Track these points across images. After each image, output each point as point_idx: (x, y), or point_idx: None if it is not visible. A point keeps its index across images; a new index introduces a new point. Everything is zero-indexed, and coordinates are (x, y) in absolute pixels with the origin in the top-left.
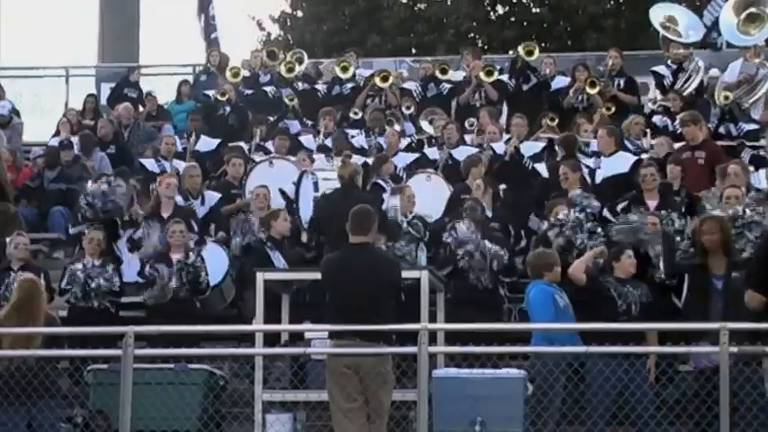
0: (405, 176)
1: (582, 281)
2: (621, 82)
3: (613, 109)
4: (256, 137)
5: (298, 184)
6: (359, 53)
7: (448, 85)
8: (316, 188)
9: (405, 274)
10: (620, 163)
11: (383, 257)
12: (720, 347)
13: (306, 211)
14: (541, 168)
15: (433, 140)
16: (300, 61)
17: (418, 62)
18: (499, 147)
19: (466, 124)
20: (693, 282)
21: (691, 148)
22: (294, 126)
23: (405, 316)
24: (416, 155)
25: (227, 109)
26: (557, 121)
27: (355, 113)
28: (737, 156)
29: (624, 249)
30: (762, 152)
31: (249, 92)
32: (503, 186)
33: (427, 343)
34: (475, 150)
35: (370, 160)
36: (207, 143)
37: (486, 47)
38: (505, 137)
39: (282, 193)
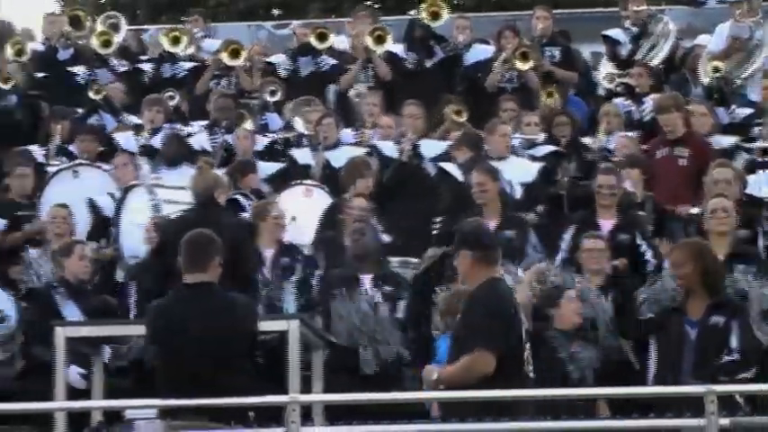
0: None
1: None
2: (556, 53)
3: (556, 95)
4: (56, 136)
5: (121, 201)
6: (205, 17)
7: (330, 61)
8: (156, 210)
9: (266, 325)
10: (519, 169)
11: (232, 302)
12: (707, 419)
13: (131, 239)
14: (452, 169)
15: (304, 139)
16: (116, 29)
17: (283, 26)
18: (388, 147)
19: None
20: (662, 330)
21: (668, 142)
22: (111, 121)
23: (266, 384)
24: (280, 165)
25: (14, 99)
26: (465, 115)
27: (171, 98)
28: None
29: (564, 290)
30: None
31: (42, 75)
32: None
33: (299, 422)
34: (360, 152)
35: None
36: None
37: (378, 5)
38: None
39: (93, 207)
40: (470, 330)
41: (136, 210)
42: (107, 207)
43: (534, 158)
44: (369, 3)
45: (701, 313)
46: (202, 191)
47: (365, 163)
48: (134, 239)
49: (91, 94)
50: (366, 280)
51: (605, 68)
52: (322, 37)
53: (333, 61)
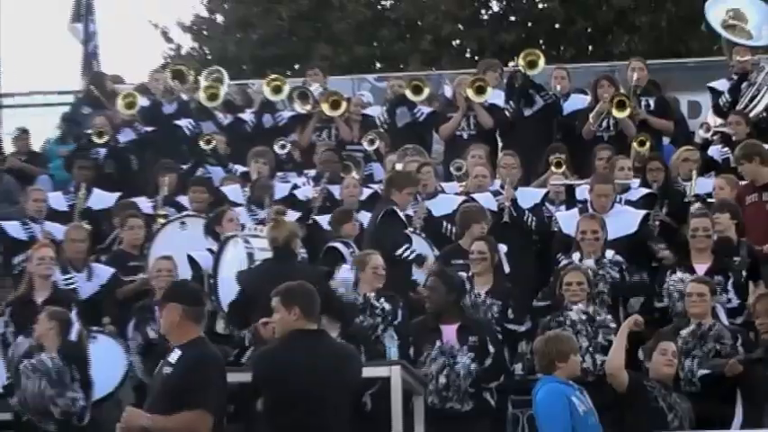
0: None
1: (624, 382)
2: (651, 102)
3: (648, 144)
4: (164, 188)
5: (219, 253)
6: (324, 70)
7: (426, 109)
8: (251, 261)
9: (368, 371)
10: (622, 222)
11: (340, 350)
12: None
13: (228, 291)
14: (565, 219)
15: None
16: (219, 83)
17: (384, 79)
18: (484, 198)
19: (452, 168)
20: (750, 379)
21: (757, 188)
22: (218, 174)
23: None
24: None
25: (102, 152)
26: (564, 167)
27: (282, 147)
28: None
29: (659, 342)
30: None
31: (149, 129)
32: (504, 248)
33: None
34: (460, 200)
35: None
36: (102, 198)
37: (475, 57)
38: (496, 183)
39: (191, 261)
40: (191, 386)
41: (232, 261)
42: (205, 262)
43: (629, 202)
44: (467, 56)
45: None
46: (283, 242)
47: (480, 209)
48: (232, 291)
49: (202, 144)
50: (449, 330)
51: (712, 120)
52: (417, 90)
53: (428, 109)
